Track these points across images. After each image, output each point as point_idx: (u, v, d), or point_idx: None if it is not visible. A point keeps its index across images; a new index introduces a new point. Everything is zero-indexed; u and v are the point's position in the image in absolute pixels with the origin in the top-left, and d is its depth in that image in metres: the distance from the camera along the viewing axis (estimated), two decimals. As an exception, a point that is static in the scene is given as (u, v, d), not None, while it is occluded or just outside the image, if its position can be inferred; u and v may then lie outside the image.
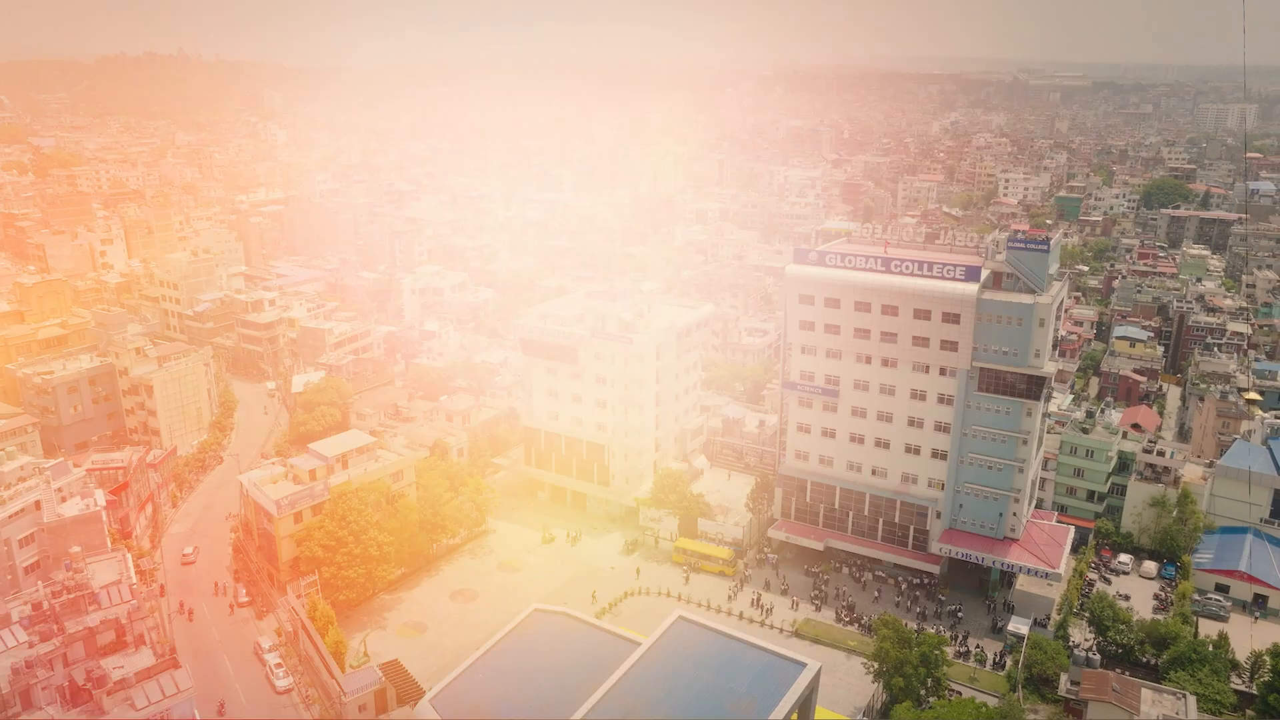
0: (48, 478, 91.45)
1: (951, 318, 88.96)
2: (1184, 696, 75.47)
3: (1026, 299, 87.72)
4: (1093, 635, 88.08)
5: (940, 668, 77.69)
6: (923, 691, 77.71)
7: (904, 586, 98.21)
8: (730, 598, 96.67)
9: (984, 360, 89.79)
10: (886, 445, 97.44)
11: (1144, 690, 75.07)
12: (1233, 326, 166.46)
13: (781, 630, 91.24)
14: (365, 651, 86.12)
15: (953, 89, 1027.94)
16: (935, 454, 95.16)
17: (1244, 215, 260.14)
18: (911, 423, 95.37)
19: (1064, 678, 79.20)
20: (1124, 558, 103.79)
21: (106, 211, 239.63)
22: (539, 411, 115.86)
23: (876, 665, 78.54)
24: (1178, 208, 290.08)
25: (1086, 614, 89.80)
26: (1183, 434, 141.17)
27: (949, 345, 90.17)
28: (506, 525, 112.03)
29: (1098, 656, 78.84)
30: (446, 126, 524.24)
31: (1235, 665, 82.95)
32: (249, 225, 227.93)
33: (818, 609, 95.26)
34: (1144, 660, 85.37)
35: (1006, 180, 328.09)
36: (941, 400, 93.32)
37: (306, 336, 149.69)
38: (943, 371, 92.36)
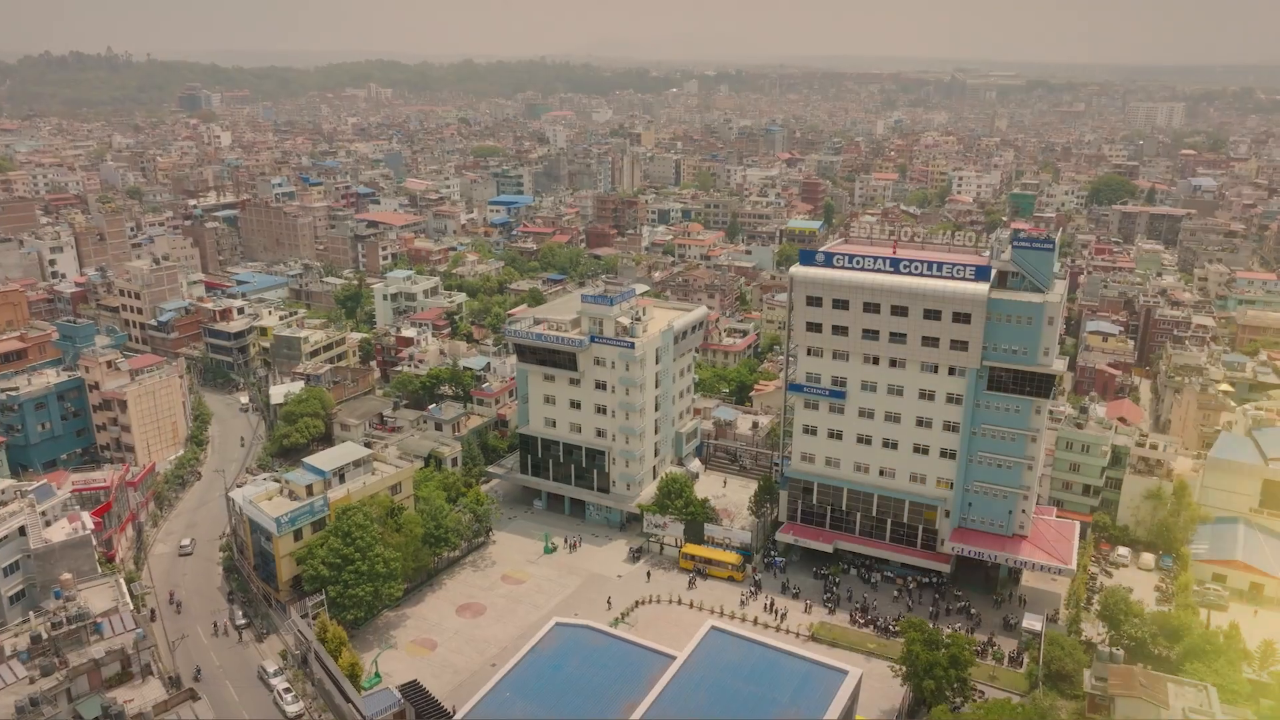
0: (32, 501, 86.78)
1: (963, 317, 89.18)
2: (1206, 688, 76.53)
3: (1035, 297, 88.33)
4: (1105, 630, 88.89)
5: (968, 668, 77.68)
6: (948, 693, 77.65)
7: (912, 586, 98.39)
8: (743, 603, 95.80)
9: (994, 359, 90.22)
10: (895, 446, 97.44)
11: (1168, 684, 75.90)
12: (1197, 319, 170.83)
13: (797, 635, 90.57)
14: (377, 671, 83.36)
15: (893, 88, 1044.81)
16: (944, 453, 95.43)
17: (1191, 211, 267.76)
18: (920, 422, 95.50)
19: (1087, 674, 79.72)
20: (1122, 550, 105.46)
21: (49, 218, 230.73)
22: (535, 418, 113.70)
23: (905, 668, 78.26)
24: (1125, 203, 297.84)
25: (1097, 608, 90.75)
26: (1159, 426, 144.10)
27: (959, 345, 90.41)
28: (505, 535, 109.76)
29: (1121, 652, 79.49)
30: (394, 128, 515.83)
31: (1245, 655, 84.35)
32: (204, 231, 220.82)
33: (831, 612, 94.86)
34: (1155, 653, 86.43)
35: (960, 178, 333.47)
36: (950, 400, 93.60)
37: (281, 345, 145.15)
38: (952, 371, 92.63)
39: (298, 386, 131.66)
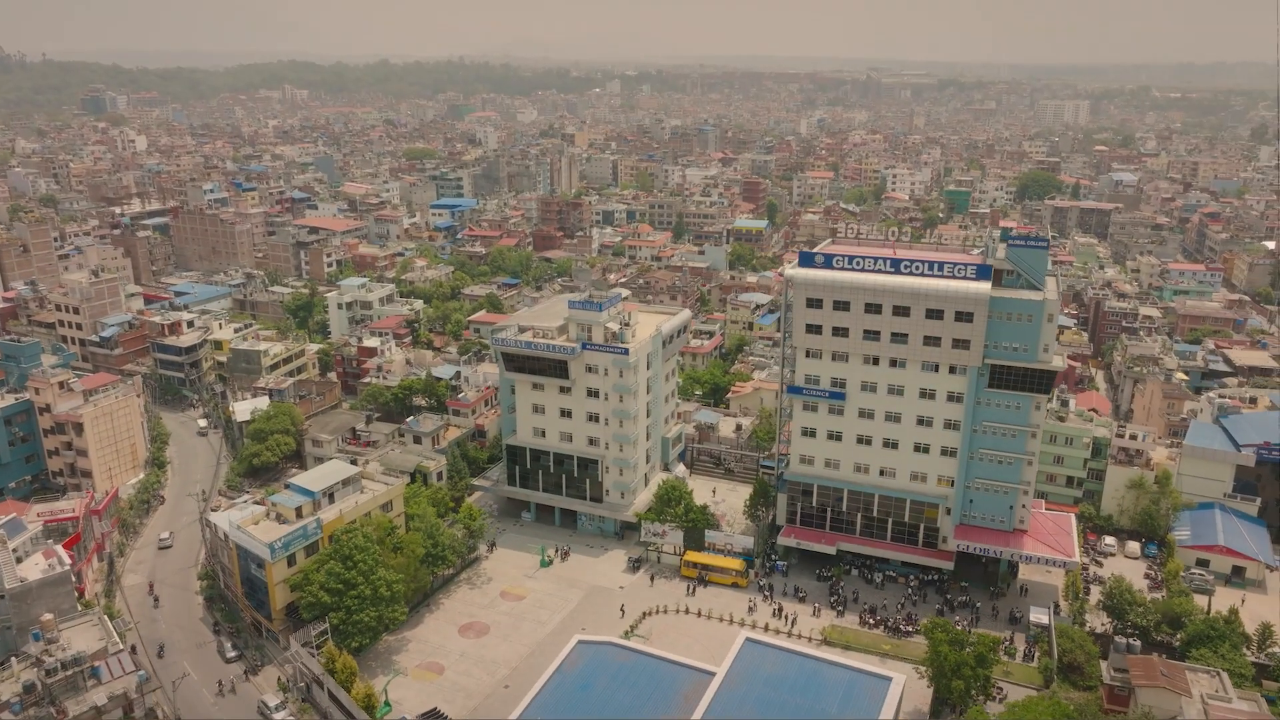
0: (1, 537, 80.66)
1: (965, 316, 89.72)
2: (1218, 674, 78.41)
3: (1035, 295, 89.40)
4: (1109, 620, 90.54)
5: (992, 667, 78.04)
6: (973, 692, 77.90)
7: (915, 584, 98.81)
8: (751, 609, 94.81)
9: (995, 357, 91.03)
10: (895, 445, 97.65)
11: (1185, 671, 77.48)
12: (1144, 311, 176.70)
13: (810, 639, 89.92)
14: (388, 700, 79.83)
15: (811, 87, 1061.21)
16: (945, 451, 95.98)
17: (1118, 205, 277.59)
18: (921, 421, 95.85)
19: (1104, 665, 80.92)
20: (1109, 540, 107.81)
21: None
22: (523, 428, 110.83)
23: (930, 669, 78.15)
24: (1053, 198, 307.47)
25: (1097, 599, 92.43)
26: (1119, 416, 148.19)
27: (961, 343, 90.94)
28: (497, 550, 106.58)
29: (1138, 643, 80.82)
30: (317, 130, 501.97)
31: (1245, 638, 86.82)
32: (136, 240, 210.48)
33: (840, 614, 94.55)
34: (1158, 640, 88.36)
35: (894, 176, 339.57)
36: (951, 398, 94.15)
37: (239, 359, 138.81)
38: (952, 370, 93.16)
39: (263, 402, 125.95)
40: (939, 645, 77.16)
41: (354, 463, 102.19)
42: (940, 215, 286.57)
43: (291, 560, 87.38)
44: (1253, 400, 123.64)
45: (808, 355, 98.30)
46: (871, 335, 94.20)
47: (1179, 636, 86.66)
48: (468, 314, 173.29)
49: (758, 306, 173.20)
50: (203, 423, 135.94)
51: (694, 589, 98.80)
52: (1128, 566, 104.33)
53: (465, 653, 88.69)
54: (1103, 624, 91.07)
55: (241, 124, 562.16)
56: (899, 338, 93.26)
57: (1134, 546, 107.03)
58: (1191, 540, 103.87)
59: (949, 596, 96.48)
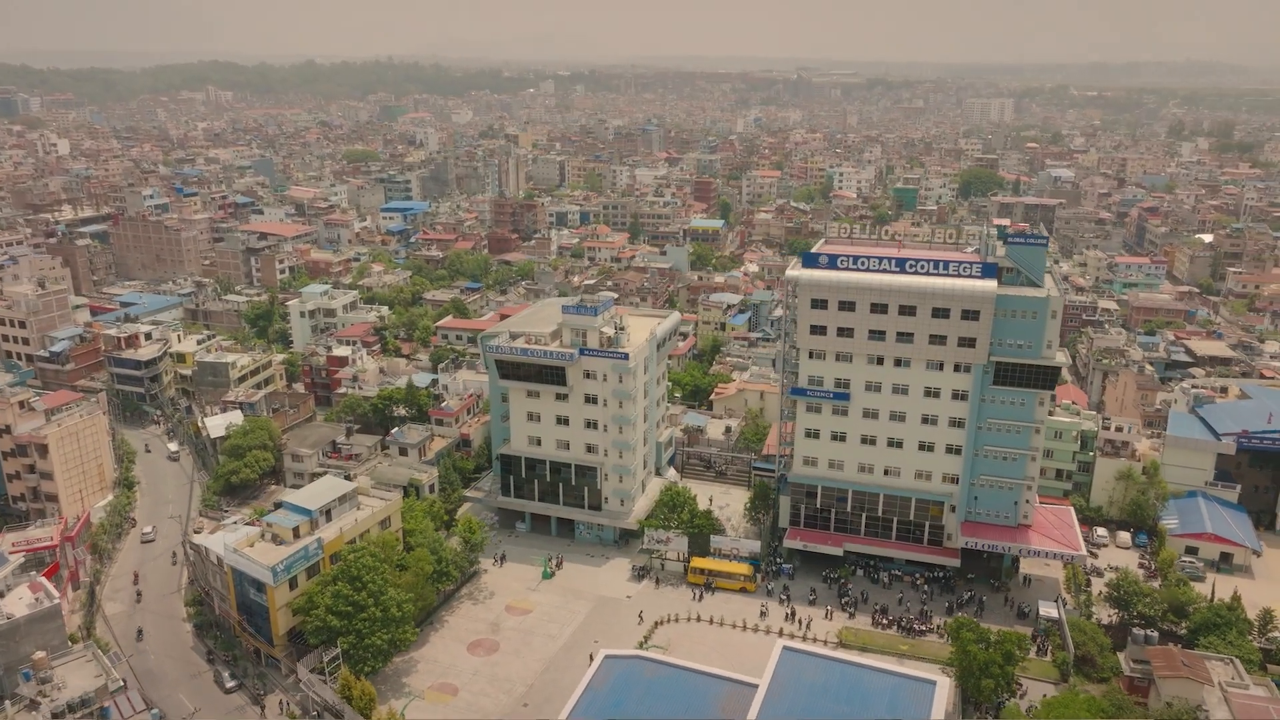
0: (-18, 571, 75.48)
1: (971, 314, 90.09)
2: (1232, 661, 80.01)
3: (1039, 293, 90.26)
4: (1114, 611, 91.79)
5: (1018, 664, 78.36)
6: (999, 689, 78.10)
7: (920, 582, 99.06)
8: (763, 614, 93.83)
9: (999, 354, 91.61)
10: (900, 444, 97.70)
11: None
12: (1102, 304, 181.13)
13: (825, 642, 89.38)
14: (406, 726, 76.86)
15: (743, 87, 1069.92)
16: (950, 449, 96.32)
17: (1061, 200, 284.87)
18: (925, 420, 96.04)
19: (1123, 657, 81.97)
20: (1101, 531, 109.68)
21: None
22: (517, 437, 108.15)
23: (957, 668, 78.12)
24: (995, 194, 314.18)
25: (1102, 590, 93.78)
26: (1090, 407, 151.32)
27: (967, 342, 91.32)
28: (489, 562, 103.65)
29: (1155, 634, 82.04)
30: (250, 132, 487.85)
31: (1248, 624, 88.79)
32: (75, 249, 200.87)
33: (851, 616, 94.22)
34: (1164, 629, 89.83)
35: (840, 174, 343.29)
36: (956, 396, 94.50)
37: (205, 372, 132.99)
38: (957, 368, 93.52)
39: (235, 417, 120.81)
40: (967, 645, 77.18)
41: (349, 478, 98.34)
42: (889, 213, 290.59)
43: (293, 583, 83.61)
44: (1223, 390, 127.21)
45: (811, 356, 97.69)
46: (877, 335, 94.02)
47: (1184, 625, 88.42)
48: (432, 320, 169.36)
49: (729, 307, 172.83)
50: (173, 446, 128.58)
51: (701, 595, 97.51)
52: (1121, 557, 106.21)
53: (478, 671, 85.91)
54: (1109, 615, 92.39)
55: (168, 126, 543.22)
56: (904, 337, 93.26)
57: (1125, 537, 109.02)
58: (1180, 529, 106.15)
59: (957, 594, 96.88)
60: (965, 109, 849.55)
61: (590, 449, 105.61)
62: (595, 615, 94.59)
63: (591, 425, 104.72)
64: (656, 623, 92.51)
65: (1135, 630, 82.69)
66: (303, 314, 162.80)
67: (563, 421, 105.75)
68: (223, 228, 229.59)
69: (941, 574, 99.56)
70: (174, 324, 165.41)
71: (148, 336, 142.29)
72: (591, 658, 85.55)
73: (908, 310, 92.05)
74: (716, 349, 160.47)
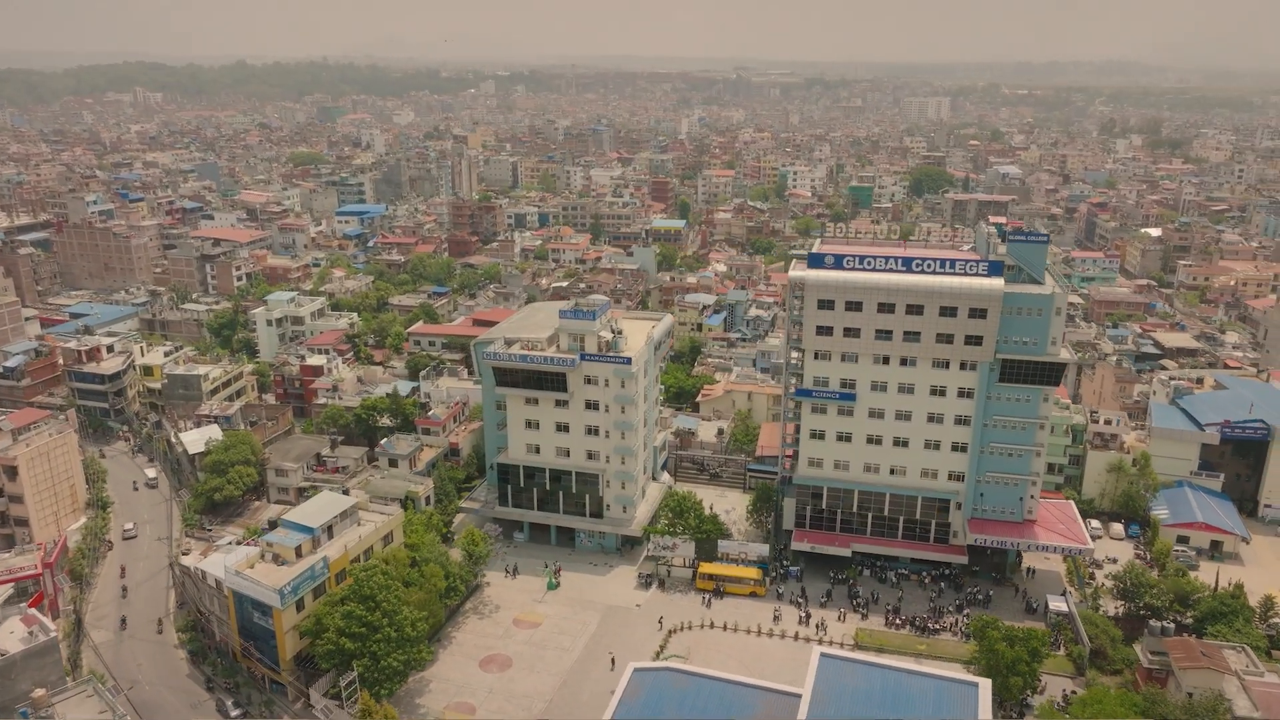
0: (-29, 605, 70.83)
1: (979, 312, 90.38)
2: (1244, 649, 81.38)
3: (1045, 290, 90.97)
4: (1121, 603, 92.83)
5: (1044, 660, 78.66)
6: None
7: (927, 580, 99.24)
8: (776, 618, 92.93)
9: (1005, 351, 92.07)
10: (905, 444, 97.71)
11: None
12: (1069, 297, 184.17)
13: (842, 644, 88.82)
14: (428, 750, 74.20)
15: (684, 86, 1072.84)
16: (955, 447, 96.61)
17: (1013, 197, 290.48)
18: (931, 419, 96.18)
19: (1139, 649, 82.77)
20: (1095, 523, 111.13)
21: None
22: (515, 446, 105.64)
23: (982, 666, 78.03)
24: (945, 191, 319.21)
25: (1106, 582, 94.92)
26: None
27: (974, 340, 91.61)
28: (496, 575, 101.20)
29: (1172, 626, 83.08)
30: (187, 135, 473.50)
31: (1250, 611, 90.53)
32: (17, 258, 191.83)
33: (864, 617, 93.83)
34: (1168, 619, 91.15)
35: (794, 173, 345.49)
36: (962, 394, 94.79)
37: (176, 385, 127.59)
38: (963, 366, 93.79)
39: (213, 431, 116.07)
40: (994, 643, 77.18)
41: (347, 492, 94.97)
42: (845, 211, 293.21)
43: (300, 604, 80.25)
44: (1199, 381, 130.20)
45: (816, 357, 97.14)
46: (884, 335, 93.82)
47: (1189, 615, 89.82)
48: (403, 325, 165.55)
49: (705, 307, 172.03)
50: (151, 472, 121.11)
51: (710, 601, 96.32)
52: (1115, 548, 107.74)
53: (493, 689, 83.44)
54: (1115, 607, 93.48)
55: (98, 129, 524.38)
56: (911, 336, 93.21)
57: (1118, 529, 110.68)
58: (1171, 519, 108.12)
59: (964, 591, 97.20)
60: (903, 107, 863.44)
61: (591, 455, 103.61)
62: (606, 625, 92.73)
63: (593, 431, 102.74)
64: (670, 631, 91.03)
65: (1152, 622, 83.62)
66: (270, 322, 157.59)
67: (563, 428, 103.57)
68: (173, 234, 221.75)
69: (947, 571, 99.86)
70: (131, 335, 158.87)
71: (109, 349, 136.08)
72: (613, 662, 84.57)
73: (915, 309, 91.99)
74: (696, 350, 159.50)
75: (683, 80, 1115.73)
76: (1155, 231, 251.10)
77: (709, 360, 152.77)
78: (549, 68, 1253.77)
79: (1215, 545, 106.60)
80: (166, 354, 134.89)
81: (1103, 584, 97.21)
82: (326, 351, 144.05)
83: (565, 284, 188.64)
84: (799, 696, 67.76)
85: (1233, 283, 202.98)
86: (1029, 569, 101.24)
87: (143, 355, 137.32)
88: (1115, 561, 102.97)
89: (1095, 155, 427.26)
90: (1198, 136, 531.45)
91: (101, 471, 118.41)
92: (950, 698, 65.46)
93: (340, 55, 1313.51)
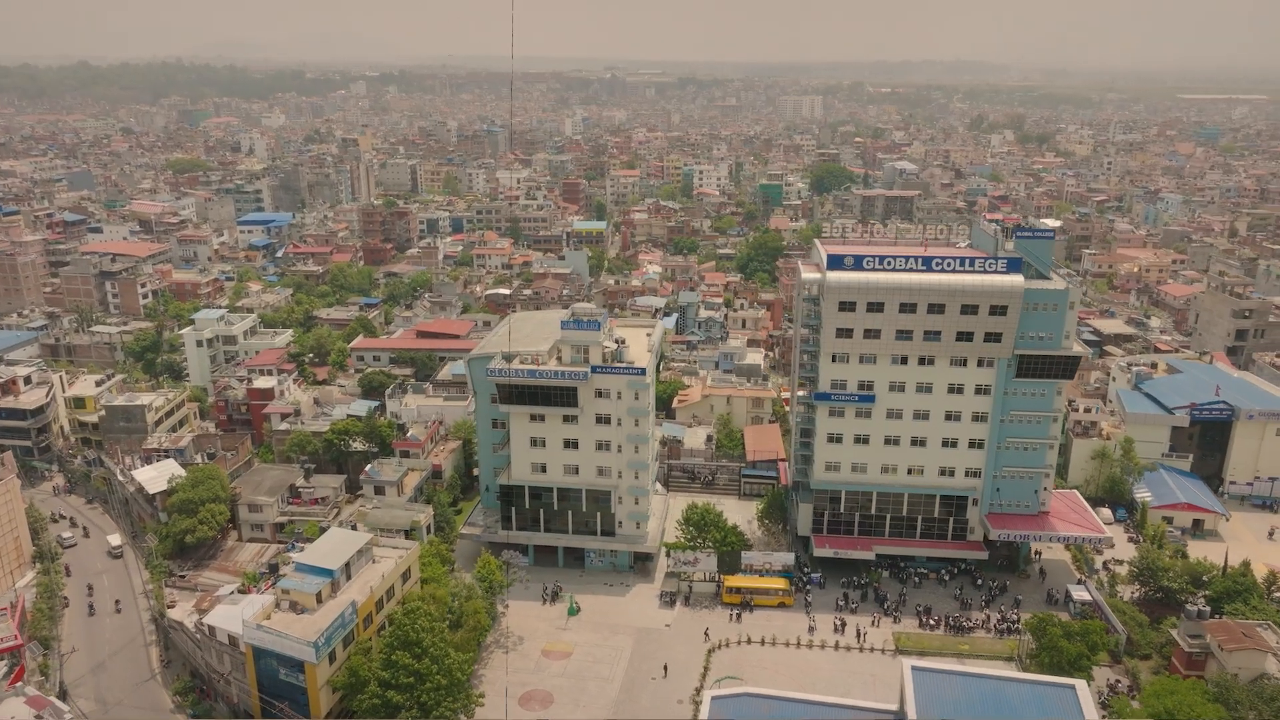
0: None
1: (999, 310, 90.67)
2: (1270, 626, 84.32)
3: (1060, 285, 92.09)
4: (1138, 587, 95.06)
5: (1100, 653, 79.28)
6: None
7: (947, 578, 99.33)
8: (811, 629, 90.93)
9: (1023, 347, 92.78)
10: (923, 443, 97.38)
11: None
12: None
13: (884, 651, 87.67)
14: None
15: (560, 86, 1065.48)
16: (973, 444, 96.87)
17: (918, 192, 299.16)
18: (949, 417, 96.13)
19: (1177, 634, 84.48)
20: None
21: None
22: (519, 465, 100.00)
23: (1040, 662, 78.08)
24: (848, 189, 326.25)
25: (1126, 567, 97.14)
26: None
27: (993, 337, 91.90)
28: (541, 602, 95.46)
29: (1208, 608, 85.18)
30: (42, 141, 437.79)
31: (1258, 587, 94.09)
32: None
33: (896, 620, 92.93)
34: (1182, 600, 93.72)
35: (700, 172, 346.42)
36: (979, 391, 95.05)
37: (115, 418, 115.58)
38: (980, 363, 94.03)
39: (171, 467, 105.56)
40: (1056, 640, 77.25)
41: (354, 527, 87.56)
42: (758, 209, 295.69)
43: (332, 656, 73.10)
44: (1154, 365, 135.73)
45: (834, 360, 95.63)
46: (904, 335, 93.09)
47: (1202, 595, 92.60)
48: (341, 341, 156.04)
49: (656, 310, 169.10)
50: (115, 539, 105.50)
51: (739, 615, 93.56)
52: (1110, 532, 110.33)
53: (542, 728, 78.33)
54: (1130, 592, 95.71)
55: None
56: (932, 335, 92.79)
57: (1106, 513, 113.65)
58: (1156, 501, 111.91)
59: (984, 586, 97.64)
60: (778, 106, 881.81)
61: (602, 471, 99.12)
62: (640, 649, 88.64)
63: (604, 446, 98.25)
64: (710, 650, 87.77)
65: (1188, 606, 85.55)
66: (200, 343, 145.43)
67: (571, 444, 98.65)
68: (60, 249, 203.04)
69: (964, 567, 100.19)
70: (34, 362, 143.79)
71: (26, 380, 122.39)
72: (666, 669, 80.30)
73: (936, 308, 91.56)
74: (661, 355, 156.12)
75: (557, 80, 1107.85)
76: (1056, 222, 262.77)
77: (673, 365, 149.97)
78: (419, 68, 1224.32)
79: (1196, 524, 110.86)
80: (99, 383, 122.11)
81: (1113, 571, 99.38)
82: (271, 372, 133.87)
83: (508, 292, 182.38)
84: (893, 713, 66.11)
85: (1136, 269, 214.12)
86: (1037, 553, 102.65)
87: (65, 387, 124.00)
88: (1113, 546, 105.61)
89: (975, 150, 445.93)
90: (1059, 132, 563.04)
91: (40, 519, 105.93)
92: (1051, 702, 64.69)
93: (192, 56, 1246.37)
